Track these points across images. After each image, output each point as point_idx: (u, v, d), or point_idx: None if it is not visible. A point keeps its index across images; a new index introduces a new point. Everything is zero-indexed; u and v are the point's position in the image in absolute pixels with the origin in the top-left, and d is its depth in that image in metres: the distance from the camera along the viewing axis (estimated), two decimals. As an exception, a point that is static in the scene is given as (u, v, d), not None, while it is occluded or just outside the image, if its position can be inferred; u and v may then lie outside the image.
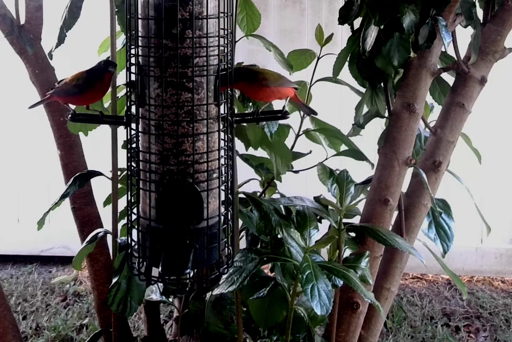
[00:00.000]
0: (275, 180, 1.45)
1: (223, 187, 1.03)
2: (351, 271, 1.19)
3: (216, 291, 1.16)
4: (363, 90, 1.47)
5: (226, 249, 1.05)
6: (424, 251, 1.39)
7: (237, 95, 1.28)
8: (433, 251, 1.44)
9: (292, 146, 1.47)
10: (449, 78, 1.49)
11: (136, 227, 1.02)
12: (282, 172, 1.33)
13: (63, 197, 1.29)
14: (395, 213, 1.44)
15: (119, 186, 1.36)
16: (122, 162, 1.33)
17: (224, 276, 1.12)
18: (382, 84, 1.43)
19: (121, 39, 1.44)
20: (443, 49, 1.41)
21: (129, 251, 1.04)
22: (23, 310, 2.56)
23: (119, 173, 1.36)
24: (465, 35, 1.43)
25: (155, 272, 1.00)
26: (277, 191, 1.50)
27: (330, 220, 1.31)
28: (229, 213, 1.04)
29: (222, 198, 1.03)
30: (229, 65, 1.00)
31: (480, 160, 1.62)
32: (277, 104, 1.17)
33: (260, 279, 1.25)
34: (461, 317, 2.55)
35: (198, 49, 0.96)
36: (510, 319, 2.51)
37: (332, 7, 2.78)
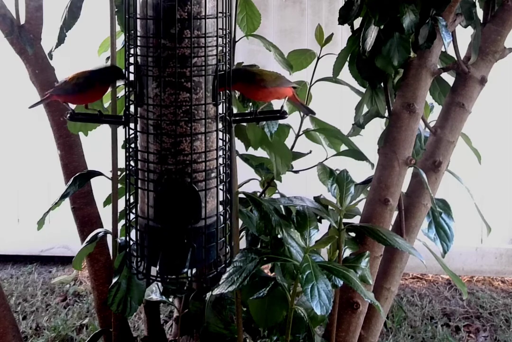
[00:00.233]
0: (275, 180, 1.45)
1: (221, 187, 1.03)
2: (351, 271, 1.19)
3: (216, 291, 1.16)
4: (363, 90, 1.47)
5: (224, 248, 1.05)
6: (424, 251, 1.39)
7: (237, 95, 1.28)
8: (433, 251, 1.44)
9: (292, 146, 1.47)
10: (449, 78, 1.49)
11: (134, 226, 1.03)
12: (282, 172, 1.33)
13: (63, 197, 1.29)
14: (395, 213, 1.44)
15: (119, 186, 1.36)
16: (122, 162, 1.33)
17: (224, 276, 1.12)
18: (382, 84, 1.43)
19: (121, 39, 1.44)
20: (443, 49, 1.41)
21: (127, 250, 1.04)
22: (23, 310, 2.56)
23: (119, 173, 1.36)
24: (465, 35, 1.43)
25: (154, 271, 1.00)
26: (277, 191, 1.50)
27: (330, 220, 1.31)
28: (227, 213, 1.05)
29: (220, 197, 1.03)
30: (227, 65, 1.00)
31: (480, 160, 1.62)
32: (277, 104, 1.17)
33: (260, 279, 1.25)
34: (461, 317, 2.55)
35: (197, 49, 0.96)
36: (510, 319, 2.51)
37: (332, 7, 2.78)
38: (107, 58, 1.41)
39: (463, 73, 1.41)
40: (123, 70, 1.01)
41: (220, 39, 0.99)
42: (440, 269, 1.49)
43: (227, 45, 1.01)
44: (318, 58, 1.48)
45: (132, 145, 1.02)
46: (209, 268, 1.03)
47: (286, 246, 1.22)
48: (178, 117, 0.97)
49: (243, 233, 1.41)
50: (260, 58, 2.55)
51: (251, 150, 1.36)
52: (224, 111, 1.02)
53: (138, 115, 1.00)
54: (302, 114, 1.44)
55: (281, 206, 1.33)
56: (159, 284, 1.36)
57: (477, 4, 1.38)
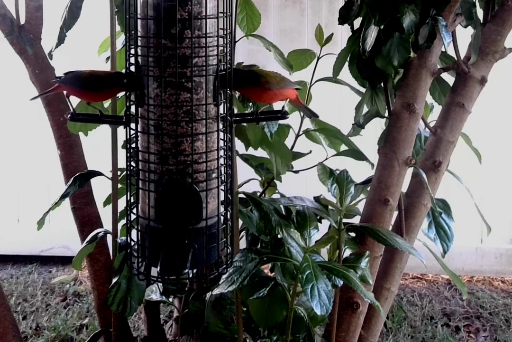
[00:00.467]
0: (275, 180, 1.45)
1: (222, 187, 1.02)
2: (351, 271, 1.19)
3: (216, 291, 1.16)
4: (363, 90, 1.47)
5: (226, 249, 1.05)
6: (424, 251, 1.39)
7: (237, 95, 1.28)
8: (433, 251, 1.44)
9: (292, 146, 1.47)
10: (449, 78, 1.49)
11: (135, 226, 1.02)
12: (282, 172, 1.33)
13: (63, 197, 1.29)
14: (395, 213, 1.44)
15: (119, 186, 1.36)
16: (122, 162, 1.33)
17: (224, 276, 1.12)
18: (382, 84, 1.43)
19: (121, 39, 1.44)
20: (443, 49, 1.41)
21: (128, 251, 1.04)
22: (23, 310, 2.56)
23: (119, 173, 1.36)
24: (465, 35, 1.43)
25: (155, 271, 1.00)
26: (277, 191, 1.50)
27: (330, 220, 1.31)
28: (228, 213, 1.04)
29: (221, 198, 1.03)
30: (228, 65, 1.00)
31: (480, 160, 1.62)
32: (278, 104, 1.17)
33: (260, 279, 1.25)
34: (461, 317, 2.55)
35: (197, 49, 0.96)
36: (510, 319, 2.51)
37: (332, 7, 2.78)
38: (107, 58, 1.41)
39: (463, 73, 1.41)
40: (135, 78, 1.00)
41: (221, 39, 0.98)
42: (440, 269, 1.49)
43: (228, 45, 1.00)
44: (318, 58, 1.48)
45: (133, 145, 1.01)
46: (210, 269, 1.03)
47: (286, 246, 1.22)
48: (179, 117, 0.96)
49: (243, 233, 1.41)
50: (260, 58, 2.55)
51: (251, 150, 1.36)
52: (225, 112, 1.02)
53: (139, 115, 1.00)
54: (302, 114, 1.44)
55: (281, 206, 1.33)
56: (159, 284, 1.36)
57: (477, 4, 1.38)
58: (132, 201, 1.03)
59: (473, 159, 1.62)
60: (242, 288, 1.21)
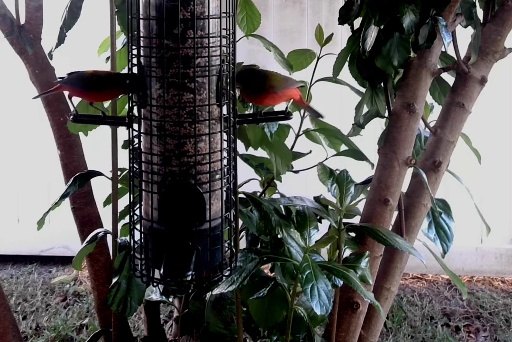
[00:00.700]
0: (275, 180, 1.45)
1: (226, 188, 1.02)
2: (351, 271, 1.19)
3: (216, 291, 1.16)
4: (363, 90, 1.47)
5: (229, 250, 1.04)
6: (424, 251, 1.39)
7: (237, 95, 1.28)
8: (433, 251, 1.44)
9: (292, 146, 1.47)
10: (449, 78, 1.49)
11: (139, 228, 1.02)
12: (282, 172, 1.33)
13: (63, 197, 1.29)
14: (395, 213, 1.44)
15: (119, 186, 1.36)
16: (122, 163, 1.33)
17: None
18: (382, 84, 1.43)
19: (121, 39, 1.44)
20: (443, 49, 1.41)
21: (131, 253, 1.03)
22: (23, 310, 2.56)
23: (119, 172, 1.36)
24: (465, 35, 1.43)
25: (158, 273, 1.00)
26: (277, 191, 1.50)
27: (330, 220, 1.31)
28: (232, 215, 1.03)
29: (225, 199, 1.02)
30: (231, 65, 1.00)
31: (480, 161, 1.62)
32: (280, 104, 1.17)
33: (260, 279, 1.25)
34: (461, 317, 2.55)
35: (200, 49, 0.95)
36: (510, 319, 2.51)
37: (332, 7, 2.78)
38: (107, 58, 1.41)
39: (463, 73, 1.41)
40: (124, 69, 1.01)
41: (223, 40, 0.98)
42: (440, 269, 1.49)
43: (231, 46, 1.00)
44: (318, 58, 1.48)
45: (136, 146, 1.01)
46: (213, 271, 1.02)
47: (286, 246, 1.22)
48: (182, 118, 0.96)
49: (243, 233, 1.41)
50: (260, 58, 2.54)
51: (251, 150, 1.36)
52: (228, 112, 1.01)
53: (142, 116, 0.99)
54: (302, 114, 1.44)
55: (281, 206, 1.33)
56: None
57: (477, 4, 1.38)
58: (134, 202, 1.03)
59: (473, 159, 1.62)
60: (242, 288, 1.21)
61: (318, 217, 1.33)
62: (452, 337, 2.39)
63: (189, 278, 0.95)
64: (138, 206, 1.02)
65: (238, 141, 1.30)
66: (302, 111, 1.44)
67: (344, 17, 1.37)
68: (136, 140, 1.01)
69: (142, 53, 0.97)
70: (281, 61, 1.38)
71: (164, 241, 0.98)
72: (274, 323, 1.28)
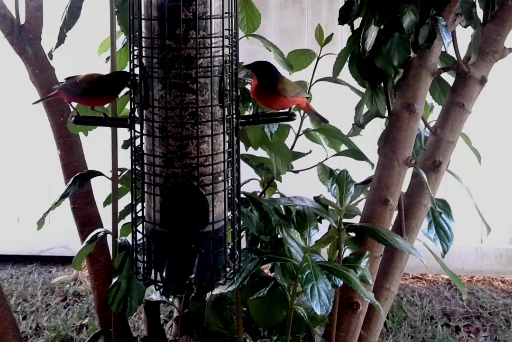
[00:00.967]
0: (275, 180, 1.45)
1: (229, 190, 1.01)
2: (351, 271, 1.19)
3: (216, 291, 1.16)
4: (363, 90, 1.47)
5: (233, 253, 1.03)
6: (424, 251, 1.39)
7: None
8: (433, 251, 1.44)
9: (292, 146, 1.47)
10: (449, 78, 1.49)
11: (141, 231, 1.01)
12: (282, 172, 1.33)
13: (63, 197, 1.29)
14: (395, 213, 1.44)
15: (119, 186, 1.36)
16: (122, 163, 1.33)
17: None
18: (382, 84, 1.43)
19: (121, 39, 1.44)
20: (443, 49, 1.41)
21: (133, 256, 1.03)
22: (23, 310, 2.56)
23: (119, 172, 1.36)
24: (465, 35, 1.43)
25: (159, 276, 0.99)
26: (277, 191, 1.50)
27: (330, 220, 1.31)
28: (236, 217, 1.03)
29: (228, 201, 1.01)
30: (234, 66, 0.99)
31: (480, 161, 1.62)
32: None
33: (260, 279, 1.25)
34: (461, 317, 2.55)
35: (202, 50, 0.94)
36: (510, 319, 2.51)
37: (332, 7, 2.78)
38: (107, 58, 1.41)
39: (463, 73, 1.41)
40: (131, 76, 1.00)
41: (226, 40, 0.97)
42: (440, 269, 1.49)
43: (233, 46, 0.99)
44: (318, 58, 1.48)
45: (138, 148, 1.00)
46: (216, 274, 1.00)
47: (286, 246, 1.22)
48: (184, 119, 0.95)
49: (243, 233, 1.41)
50: (260, 58, 2.53)
51: (251, 150, 1.36)
52: (231, 113, 1.00)
53: (144, 118, 0.98)
54: (302, 114, 1.44)
55: (281, 206, 1.33)
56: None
57: (477, 4, 1.38)
58: (137, 204, 1.02)
59: (473, 159, 1.62)
60: (242, 288, 1.21)
61: (318, 217, 1.33)
62: (452, 337, 2.39)
63: (191, 281, 0.94)
64: (140, 208, 1.02)
65: (238, 141, 1.30)
66: (302, 111, 1.44)
67: (344, 17, 1.38)
68: (138, 141, 1.00)
69: (143, 53, 0.97)
70: (281, 61, 1.38)
71: (167, 243, 0.97)
72: (274, 323, 1.28)
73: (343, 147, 1.53)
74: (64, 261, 3.00)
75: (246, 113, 1.32)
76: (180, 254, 0.95)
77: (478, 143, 1.62)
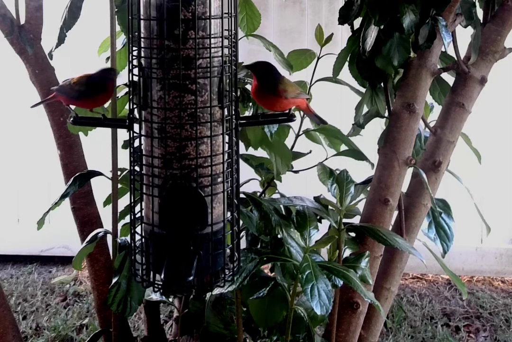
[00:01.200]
0: (275, 180, 1.45)
1: (228, 192, 1.00)
2: (351, 271, 1.19)
3: (216, 291, 1.16)
4: (363, 90, 1.47)
5: (232, 255, 1.03)
6: (424, 251, 1.39)
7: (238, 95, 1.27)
8: (433, 251, 1.44)
9: (292, 146, 1.47)
10: (449, 78, 1.49)
11: (140, 232, 1.01)
12: (282, 172, 1.33)
13: (63, 197, 1.29)
14: (395, 213, 1.44)
15: (119, 186, 1.36)
16: (122, 163, 1.33)
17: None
18: (382, 84, 1.43)
19: (121, 39, 1.44)
20: (443, 49, 1.41)
21: (133, 258, 1.02)
22: (23, 310, 2.56)
23: (119, 172, 1.36)
24: (465, 35, 1.43)
25: (158, 277, 0.98)
26: (277, 191, 1.50)
27: (330, 220, 1.31)
28: (235, 218, 1.02)
29: (227, 202, 1.01)
30: (233, 66, 0.99)
31: (480, 160, 1.62)
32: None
33: (260, 279, 1.25)
34: (461, 317, 2.55)
35: (201, 50, 0.94)
36: (510, 319, 2.51)
37: (332, 7, 2.78)
38: (107, 58, 1.41)
39: (463, 73, 1.41)
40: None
41: (225, 40, 0.97)
42: (440, 269, 1.49)
43: (233, 47, 0.99)
44: (318, 58, 1.48)
45: (137, 149, 1.00)
46: (215, 275, 1.00)
47: (286, 246, 1.22)
48: (183, 120, 0.94)
49: (243, 233, 1.41)
50: (260, 58, 2.53)
51: (251, 150, 1.36)
52: (230, 114, 1.00)
53: (142, 118, 0.98)
54: (302, 114, 1.44)
55: (281, 206, 1.33)
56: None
57: (477, 4, 1.38)
58: (136, 206, 1.02)
59: (473, 159, 1.62)
60: (242, 288, 1.21)
61: (318, 217, 1.33)
62: (452, 337, 2.39)
63: (190, 282, 0.94)
64: (138, 209, 1.01)
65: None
66: (302, 111, 1.44)
67: (344, 17, 1.37)
68: (137, 142, 1.00)
69: (142, 54, 0.96)
70: (281, 61, 1.38)
71: (165, 245, 0.96)
72: (274, 323, 1.28)
73: (343, 147, 1.53)
74: (64, 261, 3.00)
75: (246, 113, 1.32)
76: (179, 256, 0.95)
77: (478, 143, 1.62)
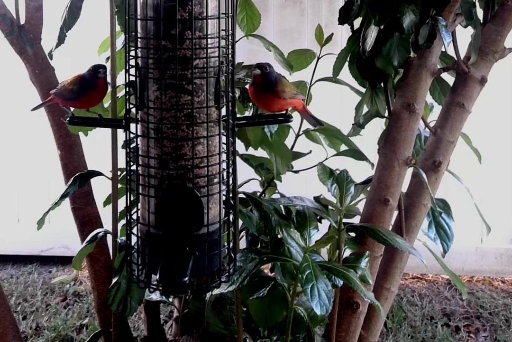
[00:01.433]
0: (275, 180, 1.45)
1: (224, 192, 1.00)
2: (351, 271, 1.19)
3: (216, 291, 1.16)
4: (363, 90, 1.47)
5: (228, 255, 1.03)
6: (424, 251, 1.39)
7: (237, 95, 1.28)
8: (433, 251, 1.44)
9: (292, 146, 1.47)
10: (449, 78, 1.49)
11: (135, 233, 1.01)
12: (282, 172, 1.33)
13: (63, 197, 1.29)
14: (395, 213, 1.44)
15: (119, 186, 1.36)
16: (122, 163, 1.33)
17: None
18: (382, 84, 1.43)
19: (121, 39, 1.44)
20: (443, 49, 1.41)
21: (128, 258, 1.03)
22: (23, 310, 2.56)
23: (119, 173, 1.36)
24: (465, 35, 1.43)
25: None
26: (277, 191, 1.50)
27: (330, 220, 1.31)
28: (231, 219, 1.02)
29: (224, 203, 1.01)
30: (230, 67, 0.99)
31: (480, 160, 1.62)
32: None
33: (260, 279, 1.25)
34: (461, 317, 2.55)
35: (198, 50, 0.94)
36: (510, 319, 2.51)
37: (332, 7, 2.78)
38: (107, 58, 1.41)
39: (463, 73, 1.41)
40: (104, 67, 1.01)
41: (222, 41, 0.97)
42: (440, 269, 1.49)
43: (230, 47, 0.99)
44: (318, 58, 1.48)
45: (133, 149, 1.00)
46: (211, 276, 1.00)
47: (286, 246, 1.22)
48: (179, 120, 0.94)
49: (243, 233, 1.41)
50: (260, 58, 2.53)
51: (251, 150, 1.36)
52: (227, 115, 1.00)
53: (139, 118, 0.98)
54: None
55: (281, 206, 1.33)
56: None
57: (477, 4, 1.38)
58: (131, 206, 1.02)
59: (473, 159, 1.62)
60: (242, 288, 1.21)
61: (318, 217, 1.33)
62: (452, 337, 2.39)
63: (186, 283, 0.94)
64: (135, 209, 1.01)
65: (238, 141, 1.30)
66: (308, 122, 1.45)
67: (344, 17, 1.37)
68: (133, 142, 1.00)
69: (139, 54, 0.96)
70: (281, 61, 1.38)
71: (161, 245, 0.96)
72: (274, 323, 1.28)
73: (343, 147, 1.53)
74: (64, 261, 3.00)
75: (246, 113, 1.32)
76: (175, 256, 0.95)
77: (478, 143, 1.62)
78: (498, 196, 2.86)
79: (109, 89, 1.22)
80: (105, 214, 1.49)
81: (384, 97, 1.43)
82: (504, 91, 2.75)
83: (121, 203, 1.35)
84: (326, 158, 1.53)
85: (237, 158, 1.33)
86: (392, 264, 1.46)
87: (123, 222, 1.41)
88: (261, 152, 1.37)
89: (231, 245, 1.03)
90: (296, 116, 1.40)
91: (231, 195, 1.02)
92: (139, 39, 0.96)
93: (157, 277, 0.94)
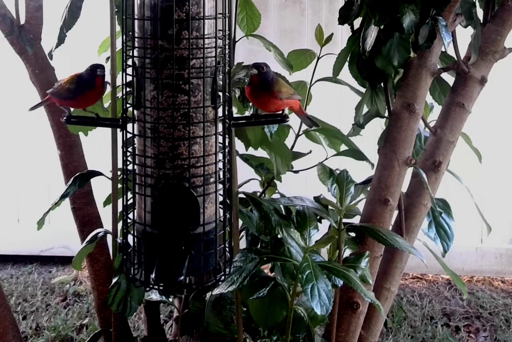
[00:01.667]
0: (275, 180, 1.45)
1: (220, 192, 1.01)
2: (351, 271, 1.19)
3: (216, 291, 1.16)
4: (363, 90, 1.47)
5: (224, 255, 1.03)
6: (424, 250, 1.39)
7: (237, 95, 1.28)
8: (433, 251, 1.44)
9: (292, 146, 1.47)
10: (449, 78, 1.49)
11: (132, 232, 1.01)
12: (282, 172, 1.33)
13: (63, 197, 1.29)
14: (395, 213, 1.44)
15: (119, 186, 1.35)
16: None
17: (224, 276, 1.12)
18: (382, 84, 1.43)
19: (121, 39, 1.44)
20: (443, 49, 1.41)
21: (125, 257, 1.03)
22: (23, 310, 2.56)
23: (119, 173, 1.36)
24: (465, 35, 1.43)
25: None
26: (277, 191, 1.50)
27: (330, 220, 1.31)
28: (227, 219, 1.02)
29: (220, 203, 1.01)
30: (227, 67, 0.99)
31: (480, 160, 1.62)
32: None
33: (260, 279, 1.25)
34: (461, 317, 2.55)
35: (195, 50, 0.94)
36: (510, 319, 2.51)
37: (332, 7, 2.78)
38: (107, 58, 1.41)
39: (463, 73, 1.41)
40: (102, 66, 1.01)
41: (219, 41, 0.97)
42: (440, 269, 1.49)
43: (227, 47, 0.99)
44: (318, 58, 1.48)
45: (130, 149, 1.00)
46: (208, 276, 1.00)
47: (286, 246, 1.22)
48: (176, 120, 0.95)
49: (243, 233, 1.41)
50: (260, 58, 2.53)
51: (251, 150, 1.36)
52: (223, 114, 1.00)
53: (136, 118, 0.98)
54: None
55: (281, 206, 1.33)
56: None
57: (477, 4, 1.38)
58: (128, 205, 1.02)
59: (473, 159, 1.62)
60: (242, 288, 1.21)
61: (318, 217, 1.33)
62: (452, 337, 2.39)
63: (181, 282, 0.94)
64: (131, 209, 1.01)
65: (238, 141, 1.30)
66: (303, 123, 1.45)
67: (344, 17, 1.37)
68: (130, 142, 1.00)
69: (136, 53, 0.96)
70: (281, 61, 1.38)
71: (157, 245, 0.96)
72: (274, 323, 1.28)
73: (343, 147, 1.53)
74: (64, 261, 3.00)
75: (246, 113, 1.32)
76: (170, 256, 0.95)
77: (478, 143, 1.62)
78: (498, 196, 2.86)
79: (109, 89, 1.22)
80: (105, 214, 1.49)
81: (384, 97, 1.43)
82: (504, 91, 2.75)
83: (121, 203, 1.35)
84: (326, 158, 1.53)
85: (237, 158, 1.33)
86: (392, 264, 1.46)
87: (123, 222, 1.41)
88: (261, 152, 1.37)
89: (227, 244, 1.03)
90: (295, 116, 1.41)
91: (228, 195, 1.02)
92: (136, 39, 0.96)
93: (153, 275, 0.94)
